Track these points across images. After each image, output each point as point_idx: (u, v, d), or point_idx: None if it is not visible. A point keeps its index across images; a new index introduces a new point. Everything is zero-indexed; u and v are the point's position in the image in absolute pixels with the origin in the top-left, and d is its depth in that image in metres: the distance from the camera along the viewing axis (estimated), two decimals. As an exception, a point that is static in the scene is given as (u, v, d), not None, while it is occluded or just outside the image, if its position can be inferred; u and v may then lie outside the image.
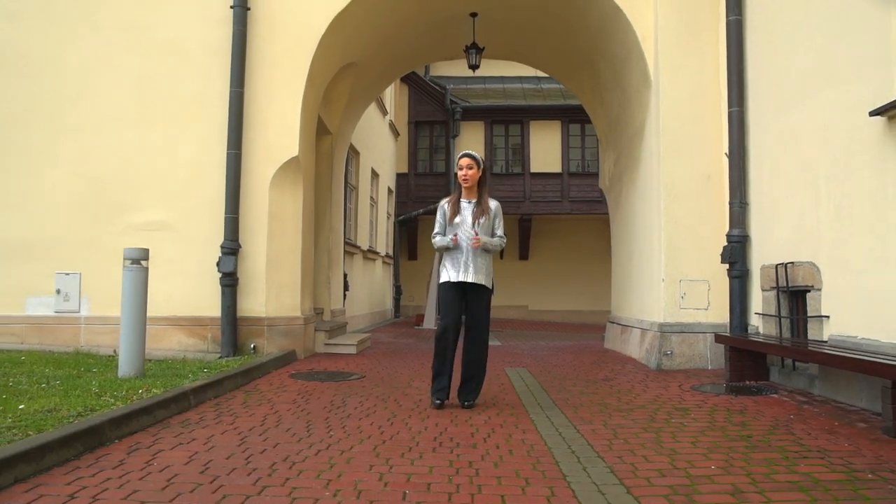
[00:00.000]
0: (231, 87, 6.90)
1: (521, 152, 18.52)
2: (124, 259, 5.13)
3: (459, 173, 4.57)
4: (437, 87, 18.45)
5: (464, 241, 4.48)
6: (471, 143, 17.74)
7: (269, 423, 3.93)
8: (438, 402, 4.43)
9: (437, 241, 4.58)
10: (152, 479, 2.77)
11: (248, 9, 7.01)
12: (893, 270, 4.22)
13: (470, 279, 4.46)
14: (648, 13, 7.11)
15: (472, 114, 18.42)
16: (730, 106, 6.44)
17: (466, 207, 4.57)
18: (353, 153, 12.26)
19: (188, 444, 3.36)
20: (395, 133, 17.82)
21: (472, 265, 4.46)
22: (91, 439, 3.19)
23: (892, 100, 4.14)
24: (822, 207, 5.05)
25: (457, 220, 4.54)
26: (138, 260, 5.15)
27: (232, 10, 6.94)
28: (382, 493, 2.67)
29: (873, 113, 4.30)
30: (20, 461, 2.69)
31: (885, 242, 4.29)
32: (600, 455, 3.27)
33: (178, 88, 7.02)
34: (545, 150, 18.37)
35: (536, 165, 18.35)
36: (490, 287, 4.58)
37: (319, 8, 7.14)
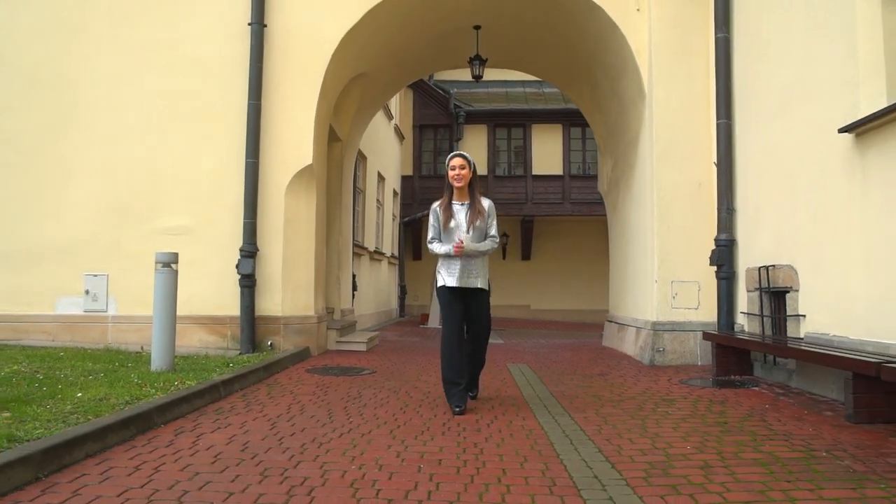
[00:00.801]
0: (249, 99, 7.33)
1: (524, 155, 18.96)
2: (156, 262, 5.56)
3: (451, 173, 4.56)
4: (441, 92, 18.90)
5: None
6: (474, 146, 18.18)
7: (294, 411, 4.36)
8: (458, 409, 4.30)
9: (436, 248, 4.57)
10: (201, 456, 3.21)
11: (265, 25, 7.43)
12: (858, 274, 4.64)
13: (466, 284, 4.50)
14: (643, 29, 7.53)
15: (475, 117, 18.88)
16: (718, 118, 6.86)
17: (460, 210, 4.57)
18: (361, 158, 12.69)
19: (226, 429, 3.80)
20: (400, 137, 18.26)
21: (467, 270, 4.50)
22: (142, 423, 3.64)
23: (857, 118, 4.56)
24: (799, 215, 5.47)
25: (451, 223, 4.54)
26: (169, 263, 5.59)
27: (249, 26, 7.37)
28: (400, 466, 3.10)
29: (842, 130, 4.71)
30: (89, 440, 3.13)
31: (852, 248, 4.71)
32: (591, 438, 3.70)
33: (200, 101, 7.45)
34: (547, 152, 18.82)
35: (538, 168, 18.80)
36: (488, 290, 4.65)
37: (332, 24, 7.56)
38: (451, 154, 4.69)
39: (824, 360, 4.42)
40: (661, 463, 3.20)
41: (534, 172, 18.77)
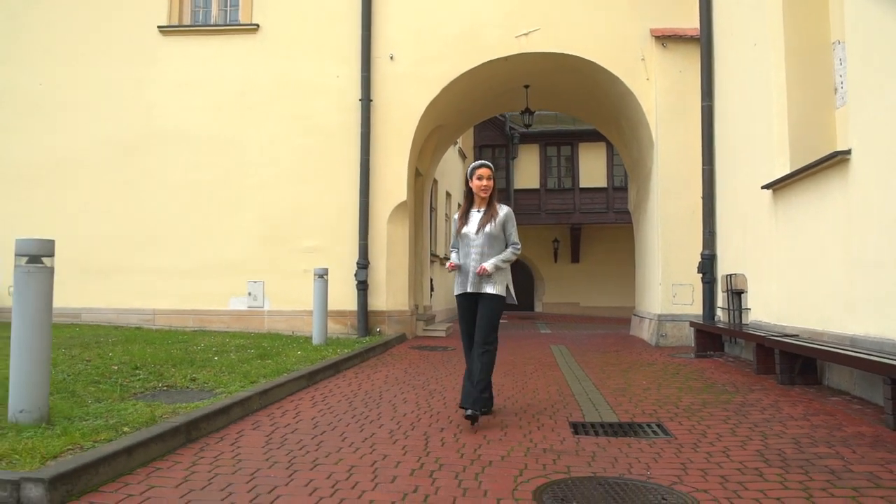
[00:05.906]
0: (361, 154, 10.22)
1: (572, 170, 21.47)
2: (314, 275, 8.49)
3: (479, 184, 4.46)
4: (498, 116, 21.56)
5: (471, 251, 4.46)
6: (528, 164, 20.83)
7: (412, 366, 7.17)
8: (467, 413, 4.38)
9: (451, 258, 4.63)
10: (376, 382, 6.04)
11: (371, 100, 10.31)
12: (774, 282, 7.12)
13: (477, 290, 4.43)
14: (651, 95, 10.06)
15: (528, 138, 21.49)
16: (703, 164, 9.34)
17: (475, 216, 4.52)
18: (434, 182, 15.52)
19: (379, 372, 6.64)
20: (463, 156, 21.03)
21: (477, 276, 4.43)
22: (335, 368, 6.52)
23: (771, 180, 7.04)
24: (748, 239, 7.96)
25: (465, 229, 4.50)
26: (322, 275, 8.51)
27: (360, 101, 10.26)
28: (482, 387, 5.86)
29: (763, 186, 7.20)
30: (320, 373, 6.04)
31: (770, 265, 7.20)
32: (590, 378, 6.37)
33: (326, 156, 10.40)
34: (592, 167, 21.29)
35: (585, 181, 21.28)
36: (500, 294, 4.47)
37: (419, 98, 10.38)
38: (477, 163, 4.56)
39: (748, 337, 6.94)
40: (623, 388, 5.85)
41: (581, 185, 21.27)
